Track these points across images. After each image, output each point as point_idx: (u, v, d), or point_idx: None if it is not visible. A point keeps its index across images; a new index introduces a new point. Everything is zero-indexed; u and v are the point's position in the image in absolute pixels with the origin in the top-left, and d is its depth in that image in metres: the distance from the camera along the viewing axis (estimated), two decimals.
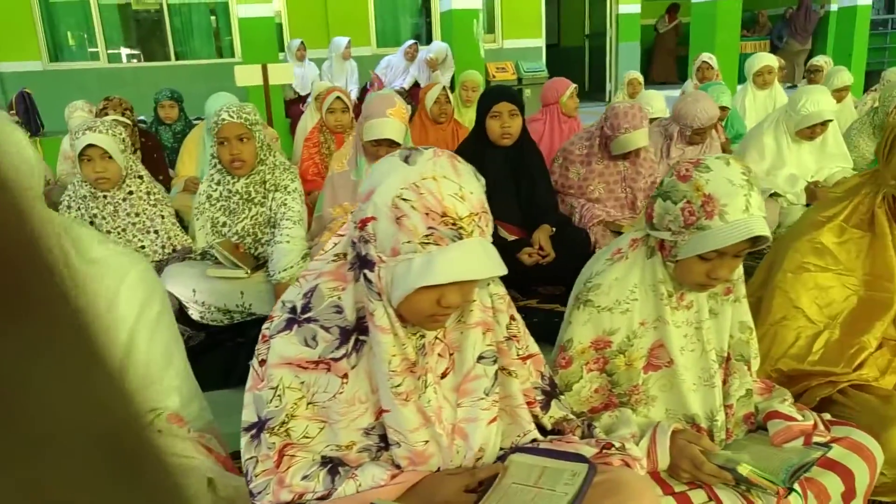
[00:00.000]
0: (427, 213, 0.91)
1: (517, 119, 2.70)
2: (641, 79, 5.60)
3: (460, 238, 0.92)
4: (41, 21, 8.18)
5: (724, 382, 1.28)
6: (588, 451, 1.09)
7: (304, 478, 1.03)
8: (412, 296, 0.94)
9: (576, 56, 11.75)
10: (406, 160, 0.96)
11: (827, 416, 1.31)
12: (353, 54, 8.17)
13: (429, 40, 8.76)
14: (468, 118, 5.21)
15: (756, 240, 1.16)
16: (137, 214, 2.48)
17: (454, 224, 0.91)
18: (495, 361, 1.08)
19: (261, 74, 5.14)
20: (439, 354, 1.07)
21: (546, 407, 1.20)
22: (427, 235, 0.91)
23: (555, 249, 2.67)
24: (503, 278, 2.93)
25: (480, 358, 1.07)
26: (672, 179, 1.19)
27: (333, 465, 1.05)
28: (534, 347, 1.22)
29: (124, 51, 8.90)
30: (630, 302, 1.27)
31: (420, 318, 0.99)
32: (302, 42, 7.15)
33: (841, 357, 1.43)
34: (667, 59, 11.82)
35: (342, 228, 1.06)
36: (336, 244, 1.07)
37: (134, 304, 1.18)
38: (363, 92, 7.41)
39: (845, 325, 1.47)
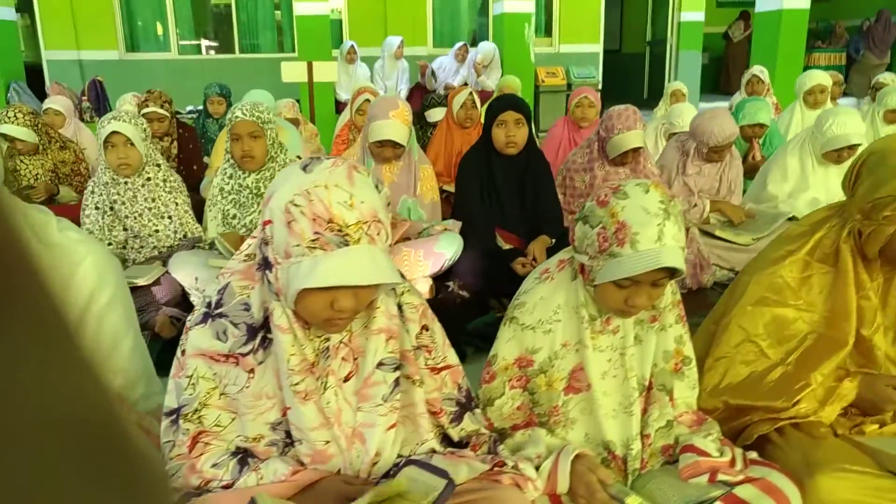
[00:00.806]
0: (314, 219, 0.96)
1: (523, 128, 2.72)
2: (685, 90, 5.47)
3: (346, 244, 0.97)
4: (119, 12, 8.65)
5: (645, 412, 1.28)
6: (480, 467, 1.12)
7: (214, 465, 1.10)
8: (305, 298, 1.00)
9: (636, 63, 11.55)
10: (304, 168, 1.01)
11: (753, 455, 1.29)
12: (409, 53, 8.31)
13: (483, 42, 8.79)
14: None
15: (675, 270, 1.16)
16: (154, 200, 2.64)
17: (340, 231, 0.96)
18: (396, 369, 1.13)
19: (306, 71, 5.30)
20: (343, 358, 1.12)
21: (458, 419, 1.24)
22: (314, 240, 0.96)
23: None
24: (503, 285, 2.93)
25: (380, 364, 1.11)
26: (592, 203, 1.20)
27: (244, 456, 1.12)
28: (452, 359, 1.26)
29: (194, 42, 9.31)
30: (553, 322, 1.28)
31: (317, 321, 1.05)
32: (353, 45, 7.29)
33: (785, 391, 1.40)
34: (740, 69, 11.46)
35: (255, 231, 1.12)
36: (249, 245, 1.13)
37: (84, 291, 1.28)
38: (413, 90, 7.53)
39: (799, 361, 1.43)
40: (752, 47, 8.45)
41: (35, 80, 7.85)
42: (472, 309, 2.58)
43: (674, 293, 1.36)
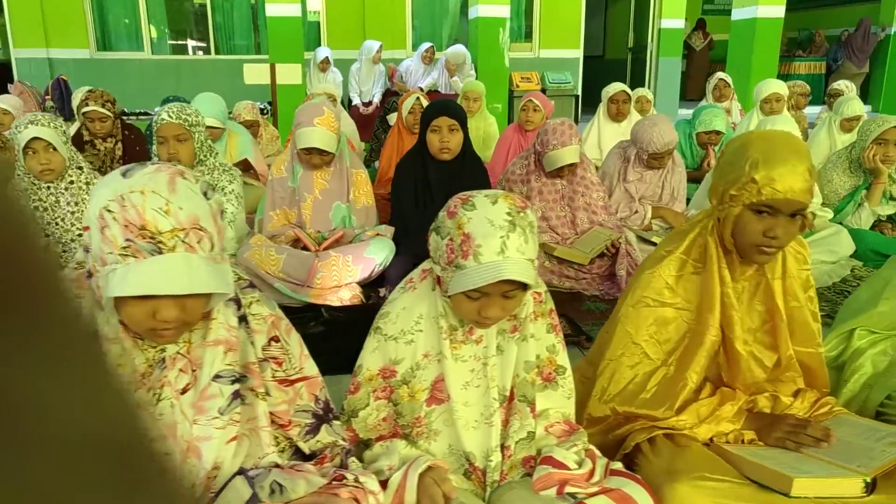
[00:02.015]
0: (126, 225, 0.93)
1: (457, 134, 2.70)
2: (651, 97, 5.47)
3: (159, 252, 0.94)
4: (91, 10, 8.59)
5: (506, 423, 1.26)
6: (318, 481, 1.09)
7: None
8: (125, 307, 0.97)
9: (619, 69, 11.57)
10: (124, 174, 0.98)
11: (617, 465, 1.26)
12: (388, 57, 8.27)
13: (465, 46, 8.78)
14: (469, 128, 5.23)
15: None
16: (77, 204, 2.60)
17: (153, 238, 0.93)
18: (235, 381, 1.10)
19: (269, 74, 5.26)
20: (181, 370, 1.09)
21: (314, 431, 1.21)
22: (125, 247, 0.93)
23: None
24: None
25: (217, 377, 1.08)
26: (444, 214, 1.18)
27: None
28: (310, 370, 1.23)
29: (169, 42, 9.25)
30: (414, 333, 1.26)
31: (142, 330, 1.02)
32: (327, 57, 7.24)
33: (667, 397, 1.38)
34: (702, 76, 11.50)
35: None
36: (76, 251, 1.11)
37: None
38: (386, 94, 7.49)
39: (678, 362, 1.42)
40: (728, 56, 8.48)
41: (5, 78, 7.79)
42: None
43: (544, 302, 1.34)
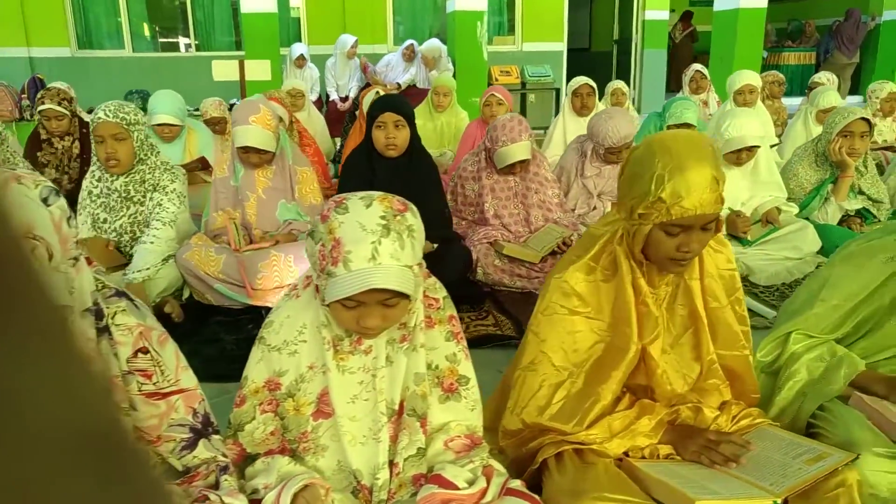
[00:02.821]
0: None
1: (403, 130, 2.63)
2: (626, 89, 5.39)
3: None
4: (71, 8, 8.49)
5: (395, 439, 1.19)
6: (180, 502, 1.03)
7: None
8: None
9: (605, 61, 11.48)
10: None
11: (516, 484, 1.19)
12: (369, 52, 8.18)
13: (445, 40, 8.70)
14: (440, 123, 5.15)
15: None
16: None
17: None
18: None
19: (238, 70, 5.19)
20: None
21: (191, 446, 1.15)
22: None
23: (432, 268, 2.58)
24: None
25: None
26: (317, 218, 1.11)
27: None
28: (187, 383, 1.16)
29: (150, 40, 9.16)
30: (298, 343, 1.19)
31: None
32: (302, 54, 7.15)
33: (577, 411, 1.31)
34: (683, 68, 11.43)
35: None
36: None
37: None
38: (363, 89, 7.40)
39: (589, 373, 1.34)
40: (711, 47, 8.39)
41: None
42: None
43: (442, 308, 1.27)
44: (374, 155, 2.69)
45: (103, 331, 1.07)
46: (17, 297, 0.20)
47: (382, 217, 1.05)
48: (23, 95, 6.94)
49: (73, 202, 2.64)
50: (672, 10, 12.59)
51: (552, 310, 1.36)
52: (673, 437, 1.33)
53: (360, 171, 2.71)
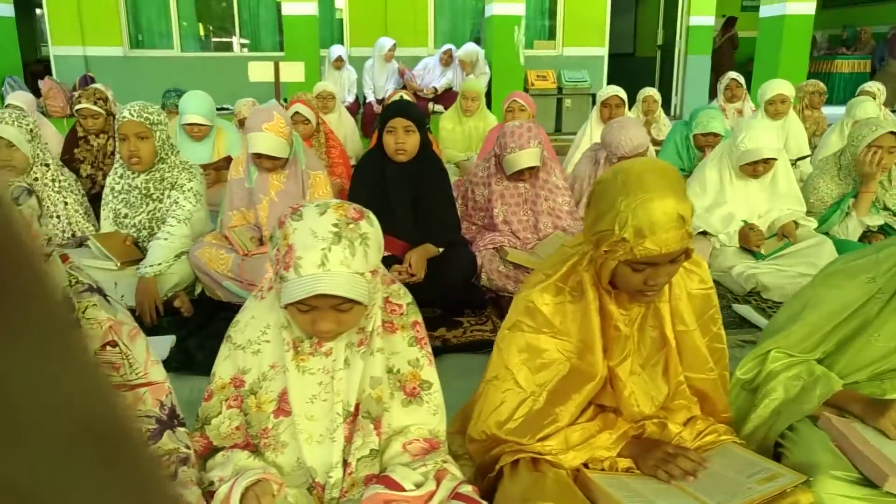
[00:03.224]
0: None
1: (413, 135, 2.67)
2: (658, 97, 5.31)
3: None
4: (124, 9, 8.84)
5: (350, 439, 1.23)
6: None
7: None
8: None
9: (648, 67, 11.31)
10: None
11: (467, 490, 1.21)
12: (410, 54, 8.25)
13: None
14: (468, 127, 5.18)
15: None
16: (41, 200, 2.66)
17: None
18: None
19: (272, 71, 5.32)
20: None
21: (156, 436, 1.21)
22: None
23: (436, 271, 2.62)
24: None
25: None
26: (276, 224, 1.16)
27: None
28: (156, 376, 1.22)
29: (197, 40, 9.45)
30: (261, 343, 1.24)
31: None
32: (341, 56, 7.28)
33: (534, 429, 1.32)
34: (720, 75, 11.16)
35: None
36: None
37: None
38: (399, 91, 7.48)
39: (552, 392, 1.35)
40: (756, 54, 8.19)
41: (46, 75, 8.07)
42: None
43: (405, 314, 1.30)
44: (385, 159, 2.74)
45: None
46: (18, 292, 0.20)
47: (335, 225, 1.09)
48: (74, 93, 7.25)
49: None
50: (723, 16, 12.37)
51: (518, 327, 1.37)
52: (633, 450, 1.33)
53: (370, 175, 2.77)
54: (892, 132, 2.90)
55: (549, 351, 1.36)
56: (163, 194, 2.70)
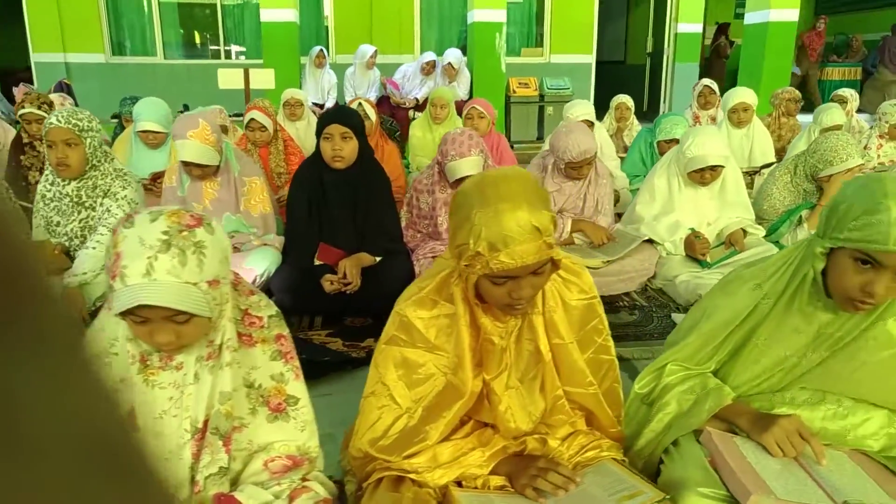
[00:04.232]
0: None
1: (351, 142, 2.62)
2: (630, 104, 5.26)
3: None
4: (106, 15, 8.84)
5: (198, 456, 1.17)
6: None
7: None
8: None
9: (639, 74, 11.29)
10: None
11: None
12: (395, 61, 8.22)
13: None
14: (438, 134, 5.14)
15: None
16: None
17: None
18: None
19: (242, 78, 5.29)
20: None
21: None
22: None
23: (373, 280, 2.57)
24: (317, 303, 2.87)
25: None
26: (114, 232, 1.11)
27: None
28: None
29: (179, 48, 9.45)
30: (110, 356, 1.19)
31: None
32: (322, 50, 7.28)
33: (405, 446, 1.26)
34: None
35: None
36: None
37: None
38: (381, 99, 7.45)
39: (427, 409, 1.29)
40: (741, 61, 8.14)
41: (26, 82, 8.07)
42: None
43: (267, 328, 1.25)
44: (324, 166, 2.69)
45: None
46: (24, 304, 0.20)
47: (165, 232, 1.04)
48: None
49: None
50: (715, 23, 12.34)
51: (393, 342, 1.32)
52: (509, 467, 1.28)
53: (308, 182, 2.72)
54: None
55: (425, 366, 1.31)
56: (95, 202, 2.65)
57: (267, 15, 7.08)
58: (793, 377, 1.34)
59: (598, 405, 1.34)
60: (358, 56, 7.57)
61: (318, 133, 2.65)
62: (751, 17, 7.89)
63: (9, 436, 0.18)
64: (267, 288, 2.61)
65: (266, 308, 1.28)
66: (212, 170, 2.59)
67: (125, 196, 2.66)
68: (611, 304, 2.77)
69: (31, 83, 8.36)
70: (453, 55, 7.14)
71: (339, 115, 2.64)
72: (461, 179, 2.68)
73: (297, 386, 1.26)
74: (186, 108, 8.00)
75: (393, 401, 1.31)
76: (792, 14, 7.56)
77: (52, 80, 8.12)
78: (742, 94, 4.20)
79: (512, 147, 8.11)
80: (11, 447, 0.18)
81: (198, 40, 9.56)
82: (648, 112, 10.42)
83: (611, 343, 1.38)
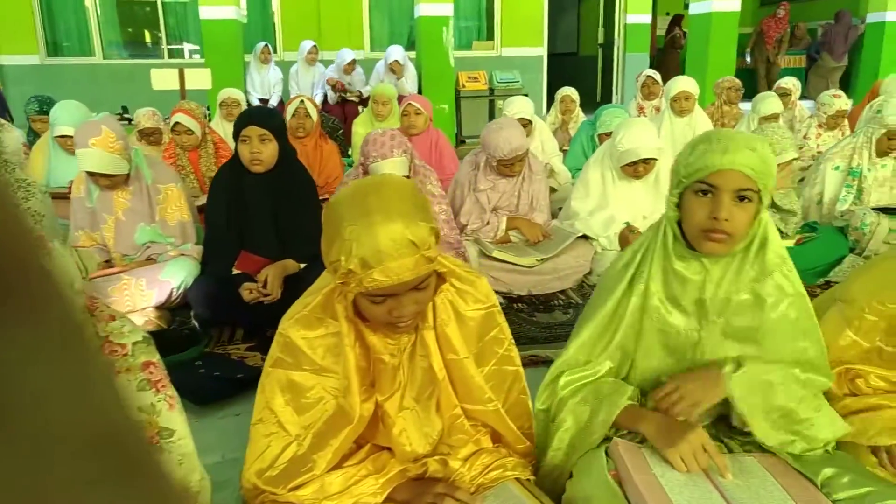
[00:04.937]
0: None
1: (270, 144, 2.50)
2: (576, 96, 5.23)
3: None
4: (40, 15, 8.48)
5: None
6: None
7: None
8: None
9: (591, 65, 11.33)
10: None
11: None
12: (352, 57, 8.03)
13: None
14: None
15: None
16: None
17: None
18: None
19: (177, 79, 5.10)
20: None
21: None
22: None
23: (296, 288, 2.45)
24: (232, 315, 2.72)
25: None
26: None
27: None
28: None
29: (119, 47, 9.13)
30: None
31: None
32: (267, 45, 7.09)
33: (292, 477, 1.17)
34: (668, 76, 11.17)
35: None
36: None
37: None
38: (325, 101, 7.27)
39: (317, 436, 1.20)
40: (687, 53, 8.21)
41: None
42: (193, 340, 2.36)
43: (131, 356, 1.14)
44: (243, 170, 2.56)
45: None
46: (33, 301, 0.20)
47: None
48: None
49: None
50: (667, 14, 12.45)
51: (279, 364, 1.22)
52: (406, 493, 1.20)
53: (226, 188, 2.59)
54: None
55: (313, 389, 1.21)
56: None
57: (206, 12, 6.86)
58: (701, 352, 1.29)
59: (499, 421, 1.26)
60: (299, 52, 7.40)
61: (236, 136, 2.52)
62: (695, 8, 7.95)
63: (16, 431, 0.18)
64: (185, 300, 2.48)
65: (130, 334, 1.16)
66: (121, 179, 2.45)
67: (28, 208, 2.50)
68: (545, 303, 2.71)
69: None
70: (397, 52, 7.01)
71: (257, 117, 2.51)
72: None
73: (171, 416, 1.16)
74: (125, 109, 7.74)
75: (281, 428, 1.21)
76: (734, 4, 7.64)
77: None
78: (683, 84, 4.20)
79: (464, 142, 8.07)
80: (21, 443, 0.18)
81: (141, 39, 9.25)
82: (602, 103, 10.44)
83: (514, 353, 1.31)
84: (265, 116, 2.53)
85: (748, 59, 10.72)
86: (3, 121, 4.87)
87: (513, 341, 1.31)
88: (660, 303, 1.30)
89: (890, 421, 1.29)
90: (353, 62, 7.14)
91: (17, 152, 4.56)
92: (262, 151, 2.49)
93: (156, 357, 1.19)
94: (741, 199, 1.19)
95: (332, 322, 1.20)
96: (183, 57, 9.07)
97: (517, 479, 1.23)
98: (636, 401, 1.32)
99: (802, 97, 6.08)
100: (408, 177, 2.64)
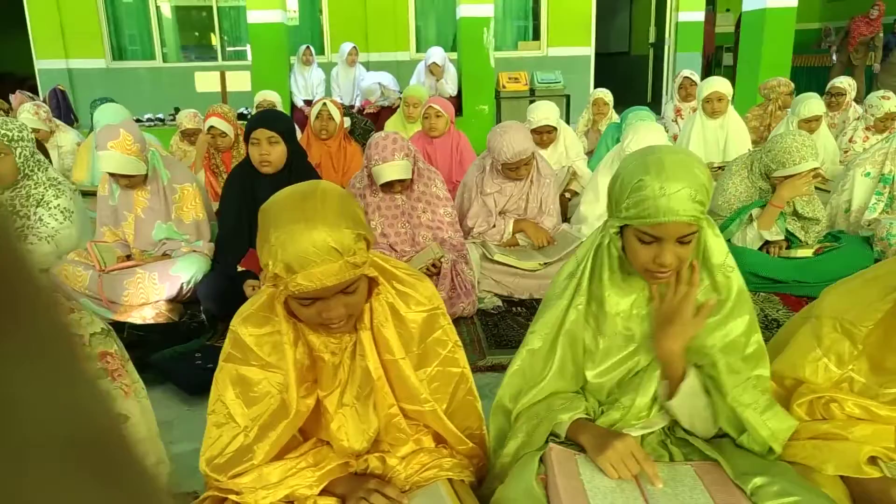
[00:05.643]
0: None
1: (278, 146, 2.60)
2: (609, 98, 5.15)
3: None
4: (106, 21, 8.95)
5: None
6: None
7: None
8: None
9: (642, 65, 11.11)
10: None
11: None
12: (391, 59, 8.17)
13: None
14: (410, 133, 5.09)
15: None
16: None
17: None
18: None
19: (219, 81, 5.30)
20: None
21: None
22: None
23: None
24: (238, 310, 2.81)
25: None
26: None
27: None
28: None
29: (179, 51, 9.54)
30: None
31: None
32: (308, 47, 7.27)
33: (236, 465, 1.23)
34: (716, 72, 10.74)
35: None
36: None
37: None
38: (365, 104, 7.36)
39: (262, 428, 1.26)
40: (739, 50, 7.93)
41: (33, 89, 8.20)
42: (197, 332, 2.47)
43: (89, 346, 1.22)
44: (254, 172, 2.67)
45: None
46: (17, 306, 0.20)
47: None
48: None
49: None
50: (727, 10, 12.06)
51: (229, 359, 1.29)
52: (343, 487, 1.24)
53: (239, 188, 2.70)
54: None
55: (260, 384, 1.27)
56: (29, 211, 2.66)
57: (254, 16, 7.09)
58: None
59: (437, 422, 1.29)
60: (339, 55, 7.56)
61: (246, 138, 2.63)
62: (748, 4, 7.68)
63: (2, 436, 0.18)
64: (195, 295, 2.60)
65: (89, 326, 1.25)
66: (139, 179, 2.59)
67: (58, 205, 2.67)
68: None
69: (36, 90, 8.53)
70: (437, 54, 7.07)
71: (265, 120, 2.61)
72: (389, 184, 2.64)
73: (126, 404, 1.24)
74: (177, 110, 8.09)
75: (231, 419, 1.28)
76: (790, 1, 7.33)
77: (55, 85, 8.27)
78: (715, 84, 4.08)
79: None
80: (4, 447, 0.18)
81: (199, 42, 9.63)
82: (653, 103, 10.24)
83: (459, 355, 1.33)
84: (273, 119, 2.62)
85: (834, 57, 10.18)
86: (59, 122, 5.19)
87: (459, 343, 1.34)
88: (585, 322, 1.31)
89: (839, 453, 1.25)
90: (354, 50, 7.22)
91: (72, 152, 4.85)
92: (270, 153, 2.58)
93: (113, 348, 1.27)
94: (685, 242, 1.17)
95: (276, 320, 1.26)
96: (237, 59, 9.40)
97: (449, 480, 1.26)
98: (590, 414, 1.33)
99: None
100: (411, 180, 2.69)
